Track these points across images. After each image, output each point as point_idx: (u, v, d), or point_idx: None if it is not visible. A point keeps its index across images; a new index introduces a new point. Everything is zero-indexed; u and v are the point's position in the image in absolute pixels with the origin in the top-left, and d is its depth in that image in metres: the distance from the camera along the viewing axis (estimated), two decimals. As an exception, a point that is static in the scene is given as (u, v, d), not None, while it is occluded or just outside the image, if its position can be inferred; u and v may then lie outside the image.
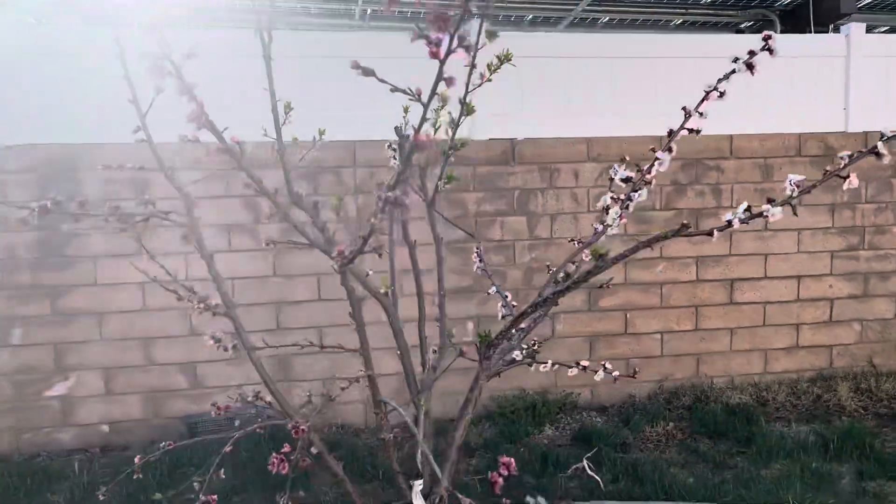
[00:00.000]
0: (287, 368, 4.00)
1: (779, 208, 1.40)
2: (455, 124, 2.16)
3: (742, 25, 7.53)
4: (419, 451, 1.69)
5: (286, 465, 1.73)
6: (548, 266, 2.45)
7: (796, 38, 4.98)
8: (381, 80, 1.37)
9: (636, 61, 4.29)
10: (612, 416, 4.23)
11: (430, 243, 2.12)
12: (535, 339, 2.21)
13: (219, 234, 3.83)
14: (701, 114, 1.75)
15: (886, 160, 1.37)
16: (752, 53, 1.71)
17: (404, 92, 1.39)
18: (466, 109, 2.13)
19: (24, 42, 3.71)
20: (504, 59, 2.15)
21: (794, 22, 6.87)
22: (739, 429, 3.81)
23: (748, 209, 1.45)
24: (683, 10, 7.15)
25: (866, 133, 4.45)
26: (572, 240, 2.13)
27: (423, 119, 1.35)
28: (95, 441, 3.80)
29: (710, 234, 1.46)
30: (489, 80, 2.16)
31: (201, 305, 1.60)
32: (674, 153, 1.75)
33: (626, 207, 1.75)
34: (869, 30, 6.80)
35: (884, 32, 7.42)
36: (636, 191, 1.74)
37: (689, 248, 4.36)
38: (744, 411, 4.03)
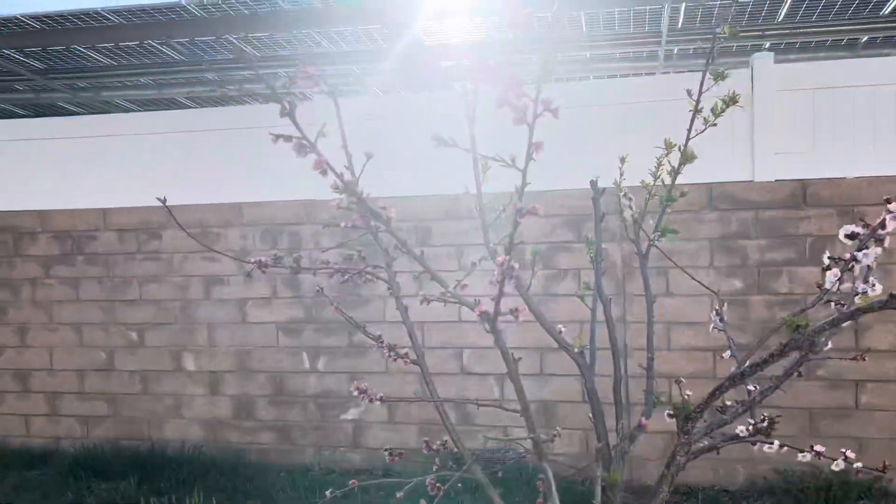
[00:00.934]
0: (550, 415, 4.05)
1: None
2: (675, 172, 2.05)
3: None
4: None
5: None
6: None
7: None
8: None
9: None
10: (936, 513, 3.46)
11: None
12: (766, 414, 1.95)
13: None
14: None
15: None
16: None
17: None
18: (685, 157, 2.02)
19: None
20: (731, 101, 1.99)
21: None
22: None
23: None
24: None
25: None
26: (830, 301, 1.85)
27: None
28: (378, 465, 4.23)
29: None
30: (714, 125, 2.01)
31: (392, 353, 1.73)
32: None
33: (851, 269, 1.48)
34: None
35: None
36: (863, 249, 1.46)
37: None
38: None
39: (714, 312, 2.31)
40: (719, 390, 1.59)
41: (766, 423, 1.95)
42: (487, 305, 1.37)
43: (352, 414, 4.30)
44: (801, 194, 3.73)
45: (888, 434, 3.66)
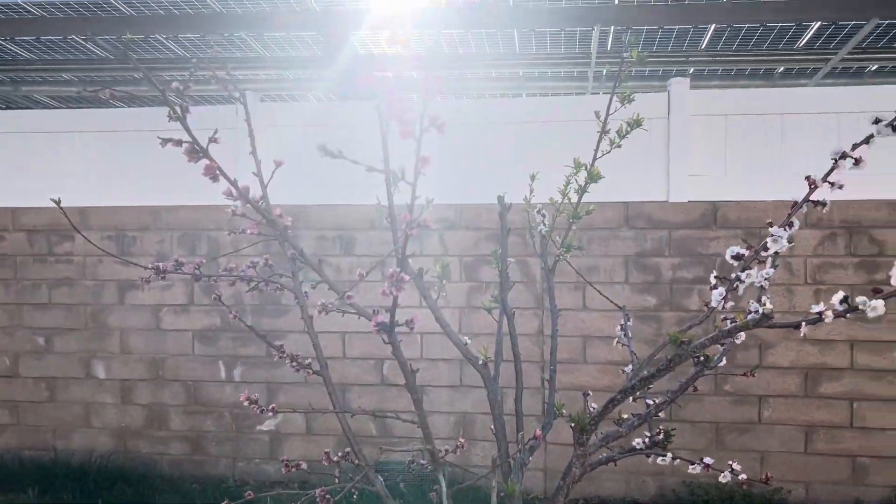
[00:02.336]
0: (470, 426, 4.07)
1: (880, 302, 1.16)
2: (581, 191, 2.11)
3: None
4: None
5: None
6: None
7: None
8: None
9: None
10: (830, 522, 3.63)
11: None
12: (663, 427, 2.02)
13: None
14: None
15: None
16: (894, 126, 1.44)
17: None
18: (591, 177, 2.08)
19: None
20: (635, 123, 2.06)
21: None
22: None
23: (845, 299, 1.21)
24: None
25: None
26: (725, 318, 1.92)
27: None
28: (295, 477, 4.16)
29: (797, 326, 1.24)
30: (618, 146, 2.08)
31: (295, 364, 1.72)
32: (795, 228, 1.52)
33: (735, 289, 1.55)
34: None
35: None
36: (746, 269, 1.54)
37: (938, 331, 3.65)
38: None
39: (619, 328, 2.39)
40: (612, 403, 1.64)
41: (661, 436, 2.02)
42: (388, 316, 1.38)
43: (268, 425, 4.22)
44: (712, 215, 3.89)
45: (788, 447, 3.83)
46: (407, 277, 1.13)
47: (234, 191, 1.20)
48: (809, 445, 3.81)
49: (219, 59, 5.78)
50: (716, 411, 3.88)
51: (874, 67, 6.53)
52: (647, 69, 6.33)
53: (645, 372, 1.61)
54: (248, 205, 1.25)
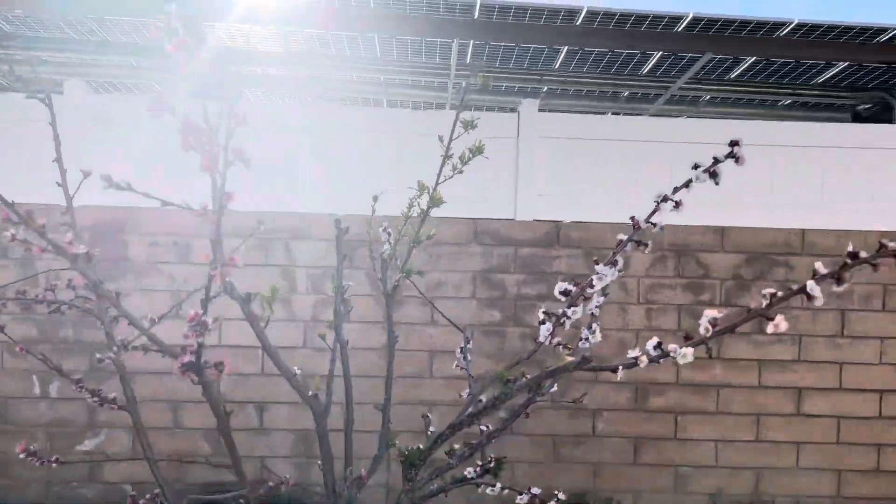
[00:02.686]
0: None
1: (689, 349, 1.19)
2: (423, 215, 2.07)
3: (858, 108, 7.01)
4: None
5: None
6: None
7: (877, 128, 4.58)
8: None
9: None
10: (653, 530, 3.84)
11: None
12: (493, 456, 2.02)
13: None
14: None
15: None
16: (715, 160, 1.51)
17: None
18: (433, 201, 2.04)
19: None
20: (476, 150, 2.05)
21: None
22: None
23: (659, 345, 1.24)
24: (791, 91, 6.75)
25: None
26: (559, 344, 1.94)
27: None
28: (116, 499, 3.85)
29: (615, 370, 1.25)
30: (460, 172, 2.06)
31: (97, 399, 1.55)
32: (619, 266, 1.56)
33: (562, 324, 1.57)
34: None
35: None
36: (573, 306, 1.56)
37: (751, 350, 3.97)
38: (804, 542, 3.54)
39: (458, 350, 2.38)
40: (441, 438, 1.61)
41: (492, 464, 2.02)
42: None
43: (88, 445, 3.88)
44: (556, 235, 4.01)
45: (619, 458, 4.01)
46: (210, 321, 1.03)
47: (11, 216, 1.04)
48: (638, 457, 4.02)
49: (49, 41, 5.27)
50: (553, 425, 3.99)
51: (708, 97, 7.06)
52: (504, 85, 6.48)
53: (471, 409, 1.59)
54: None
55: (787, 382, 3.99)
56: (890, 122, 5.35)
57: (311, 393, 1.78)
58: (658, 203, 1.56)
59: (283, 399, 3.92)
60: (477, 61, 5.77)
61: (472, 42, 5.70)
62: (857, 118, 6.60)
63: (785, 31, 4.46)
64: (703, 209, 3.91)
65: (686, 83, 6.15)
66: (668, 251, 4.01)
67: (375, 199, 2.16)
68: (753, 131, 4.36)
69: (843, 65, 5.12)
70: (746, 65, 5.28)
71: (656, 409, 4.02)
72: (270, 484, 1.77)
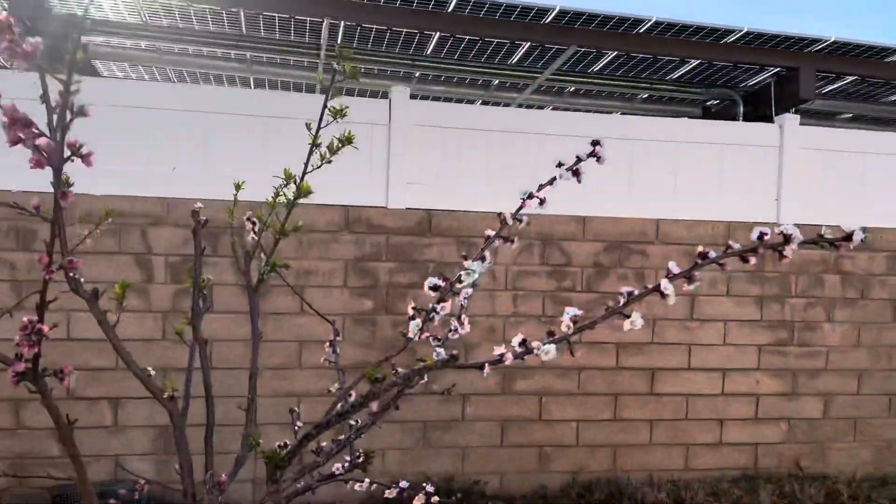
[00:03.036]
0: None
1: (552, 346, 1.22)
2: (290, 206, 1.99)
3: (708, 103, 7.52)
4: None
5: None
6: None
7: (726, 125, 4.94)
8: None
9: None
10: (519, 508, 3.98)
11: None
12: (362, 450, 2.00)
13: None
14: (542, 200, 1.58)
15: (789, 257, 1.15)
16: (578, 159, 1.55)
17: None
18: (300, 192, 1.97)
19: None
20: (346, 141, 2.00)
21: (758, 103, 6.84)
22: (647, 533, 3.57)
23: (524, 342, 1.26)
24: (648, 85, 7.13)
25: (798, 226, 4.32)
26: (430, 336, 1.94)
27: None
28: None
29: (482, 367, 1.27)
30: (329, 162, 2.01)
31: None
32: (488, 262, 1.58)
33: (432, 319, 1.57)
34: (832, 116, 6.72)
35: (847, 120, 7.40)
36: (442, 301, 1.55)
37: (610, 333, 4.18)
38: (656, 513, 3.79)
39: (327, 344, 2.33)
40: (307, 437, 1.56)
41: (361, 459, 1.99)
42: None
43: (-86, 451, 3.50)
44: (427, 223, 4.02)
45: (486, 441, 4.11)
46: (46, 328, 0.93)
47: None
48: (505, 439, 4.13)
49: None
50: (424, 411, 4.03)
51: (572, 88, 7.32)
52: (376, 68, 6.41)
53: (339, 406, 1.56)
54: None
55: (642, 364, 4.24)
56: (735, 117, 5.77)
57: (166, 395, 1.67)
58: (524, 200, 1.58)
59: (139, 394, 3.69)
60: (347, 46, 5.66)
61: (342, 22, 5.58)
62: (707, 112, 7.07)
63: (644, 28, 4.69)
64: (567, 199, 4.05)
65: (553, 74, 6.34)
66: (534, 240, 4.13)
67: (238, 186, 2.06)
68: (613, 124, 4.57)
69: (695, 62, 5.45)
70: (608, 59, 5.51)
71: (523, 392, 4.15)
72: (122, 492, 1.66)
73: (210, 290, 3.75)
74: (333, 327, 2.30)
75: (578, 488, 4.12)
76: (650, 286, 1.20)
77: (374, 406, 1.48)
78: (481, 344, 4.06)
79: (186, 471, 1.66)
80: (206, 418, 1.73)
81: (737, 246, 1.13)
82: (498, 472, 4.14)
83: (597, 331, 4.11)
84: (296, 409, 2.32)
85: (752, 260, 1.11)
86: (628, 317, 1.17)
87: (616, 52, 5.30)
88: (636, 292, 1.19)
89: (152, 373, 1.67)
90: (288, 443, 2.25)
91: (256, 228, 2.10)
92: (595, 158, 1.52)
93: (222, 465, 1.78)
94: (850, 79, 5.59)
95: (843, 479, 4.29)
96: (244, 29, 5.88)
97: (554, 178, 1.52)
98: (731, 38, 4.74)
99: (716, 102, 7.32)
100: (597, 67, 5.98)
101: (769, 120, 4.87)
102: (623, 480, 4.16)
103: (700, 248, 1.15)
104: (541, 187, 1.56)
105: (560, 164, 1.53)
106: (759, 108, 6.67)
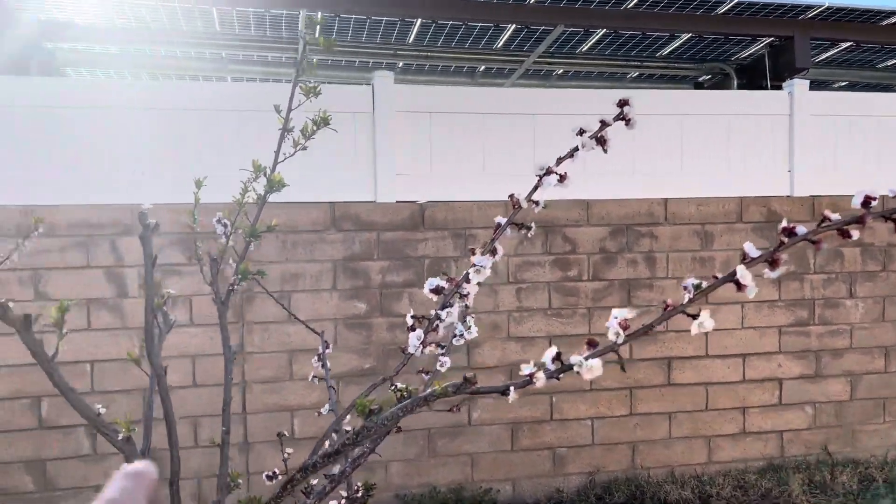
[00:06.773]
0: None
1: (596, 361, 0.95)
2: (261, 201, 1.72)
3: (700, 79, 7.25)
4: None
5: None
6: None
7: (732, 94, 4.66)
8: None
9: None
10: (535, 516, 3.72)
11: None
12: (359, 484, 1.72)
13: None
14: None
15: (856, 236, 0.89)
16: (603, 124, 1.27)
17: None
18: (272, 184, 1.69)
19: None
20: (322, 122, 1.72)
21: (752, 76, 6.59)
22: (674, 537, 3.31)
23: (558, 356, 0.99)
24: (639, 63, 6.86)
25: (813, 197, 4.06)
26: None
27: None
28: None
29: (505, 392, 0.99)
30: (303, 149, 1.73)
31: None
32: (499, 254, 1.30)
33: (435, 329, 1.29)
34: (826, 85, 6.47)
35: (842, 88, 7.15)
36: (447, 307, 1.28)
37: (622, 323, 3.91)
38: (682, 512, 3.53)
39: (316, 358, 2.06)
40: (291, 483, 1.29)
41: (360, 494, 1.72)
42: None
43: None
44: (420, 216, 3.74)
45: (496, 447, 3.84)
46: None
47: None
48: (515, 443, 3.87)
49: None
50: (426, 417, 3.75)
51: (560, 71, 7.05)
52: (357, 60, 6.11)
53: (328, 444, 1.28)
54: None
55: (656, 354, 3.98)
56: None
57: (121, 436, 1.39)
58: (540, 177, 1.31)
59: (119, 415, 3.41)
60: (325, 38, 5.38)
61: (319, 13, 5.29)
62: (700, 88, 6.82)
63: (632, 3, 4.43)
64: (569, 182, 3.78)
65: (540, 57, 6.06)
66: (535, 228, 3.85)
67: (198, 184, 1.77)
68: (613, 99, 4.28)
69: (685, 37, 5.20)
70: (596, 38, 5.25)
71: (532, 392, 3.87)
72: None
73: (188, 303, 3.47)
74: (322, 339, 2.02)
75: (597, 490, 3.86)
76: (719, 275, 0.93)
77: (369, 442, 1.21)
78: (486, 342, 3.79)
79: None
80: (171, 464, 1.44)
81: (835, 217, 0.85)
82: (510, 478, 3.87)
83: (606, 321, 3.68)
84: (285, 432, 2.03)
85: (856, 234, 0.84)
86: (695, 316, 0.90)
87: (604, 31, 5.05)
88: (703, 284, 0.92)
89: (102, 410, 1.39)
90: (278, 472, 1.97)
91: (227, 231, 1.82)
92: (624, 122, 1.24)
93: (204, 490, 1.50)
94: (844, 46, 5.35)
95: (875, 463, 4.05)
96: (217, 27, 5.57)
97: (576, 149, 1.25)
98: (723, 10, 4.48)
99: (707, 78, 7.07)
100: (584, 48, 5.73)
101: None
102: (643, 478, 3.90)
103: (784, 224, 0.87)
104: (559, 161, 1.29)
105: (582, 132, 1.26)
106: (753, 81, 6.42)
